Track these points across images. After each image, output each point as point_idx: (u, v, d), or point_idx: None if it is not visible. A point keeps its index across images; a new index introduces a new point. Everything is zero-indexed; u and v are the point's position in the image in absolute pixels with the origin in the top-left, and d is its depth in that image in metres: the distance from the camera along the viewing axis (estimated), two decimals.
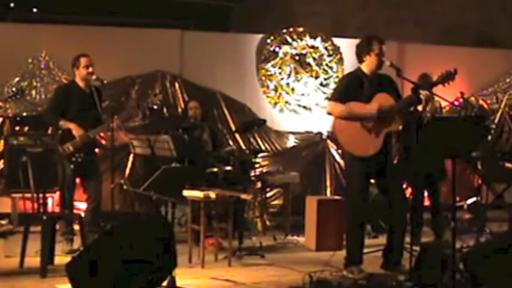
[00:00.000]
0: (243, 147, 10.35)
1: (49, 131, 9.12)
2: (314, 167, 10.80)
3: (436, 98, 7.65)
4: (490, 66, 11.68)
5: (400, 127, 6.71)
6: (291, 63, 11.01)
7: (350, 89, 6.70)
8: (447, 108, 10.51)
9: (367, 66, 6.75)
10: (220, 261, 7.38)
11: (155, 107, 9.06)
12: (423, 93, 6.55)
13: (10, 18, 11.30)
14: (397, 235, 6.78)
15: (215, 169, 8.45)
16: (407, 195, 8.09)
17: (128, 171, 9.95)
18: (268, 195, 10.03)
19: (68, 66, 8.17)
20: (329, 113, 6.92)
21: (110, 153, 8.71)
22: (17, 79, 9.88)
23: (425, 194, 8.49)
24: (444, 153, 6.22)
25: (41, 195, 6.98)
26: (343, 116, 6.68)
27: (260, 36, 11.00)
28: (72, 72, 8.08)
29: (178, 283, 5.82)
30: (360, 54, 6.79)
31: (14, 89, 7.38)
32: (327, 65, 11.12)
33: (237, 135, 10.45)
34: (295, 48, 11.03)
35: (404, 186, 7.41)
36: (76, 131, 7.69)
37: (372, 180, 6.99)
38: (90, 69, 7.83)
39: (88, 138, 7.74)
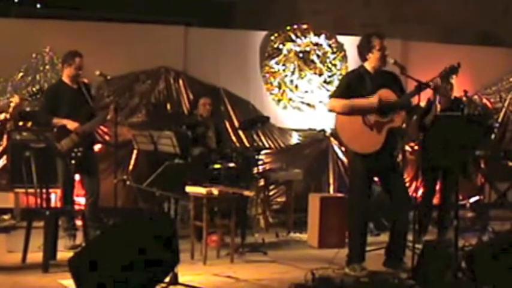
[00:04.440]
0: (247, 144, 10.37)
1: None
2: (317, 164, 10.81)
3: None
4: (493, 64, 11.66)
5: (403, 124, 6.71)
6: (295, 61, 11.01)
7: (352, 86, 6.68)
8: None
9: (370, 64, 6.74)
10: (223, 258, 7.39)
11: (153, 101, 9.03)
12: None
13: (14, 14, 11.28)
14: (399, 233, 6.77)
15: (218, 166, 8.45)
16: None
17: (131, 167, 9.96)
18: (271, 192, 10.05)
19: None
20: (330, 110, 6.89)
21: (113, 149, 8.71)
22: (20, 74, 9.90)
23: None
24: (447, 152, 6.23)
25: (43, 190, 6.99)
26: (345, 110, 6.65)
27: (264, 33, 11.00)
28: (61, 67, 8.10)
29: (180, 279, 5.82)
30: (362, 53, 6.77)
31: (34, 88, 7.34)
32: (330, 62, 11.12)
33: (241, 132, 10.46)
34: (299, 45, 11.02)
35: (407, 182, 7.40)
36: (70, 125, 7.70)
37: (376, 178, 6.99)
38: (80, 72, 7.87)
39: (84, 133, 7.75)
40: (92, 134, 8.20)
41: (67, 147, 7.62)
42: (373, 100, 6.54)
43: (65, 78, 7.93)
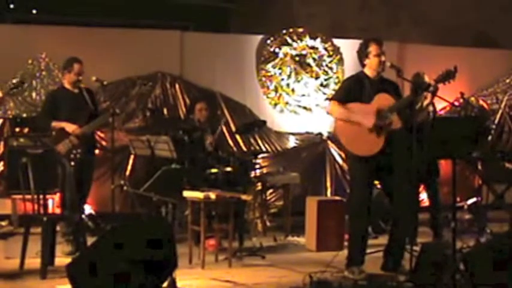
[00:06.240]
0: (244, 148, 10.37)
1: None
2: (314, 167, 10.81)
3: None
4: (490, 66, 11.68)
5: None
6: (291, 64, 11.00)
7: (351, 90, 6.72)
8: (447, 108, 10.54)
9: (369, 69, 6.77)
10: (221, 262, 7.39)
11: (150, 105, 9.04)
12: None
13: (10, 20, 11.28)
14: (398, 236, 6.76)
15: (215, 170, 8.45)
16: None
17: (128, 172, 9.95)
18: (268, 196, 10.04)
19: None
20: (328, 113, 6.95)
21: (110, 154, 8.71)
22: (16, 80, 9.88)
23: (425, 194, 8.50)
24: (444, 153, 6.24)
25: (41, 196, 6.98)
26: (341, 118, 6.71)
27: (260, 37, 10.99)
28: (62, 74, 8.22)
29: (178, 284, 5.81)
30: (361, 59, 6.82)
31: (14, 81, 7.39)
32: (327, 65, 11.11)
33: (238, 136, 10.46)
34: (295, 49, 11.02)
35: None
36: (69, 127, 7.75)
37: (376, 182, 6.99)
38: (80, 77, 7.94)
39: (83, 135, 7.76)
40: (93, 138, 8.20)
41: (65, 150, 7.65)
42: (368, 123, 6.56)
43: (66, 85, 8.04)
